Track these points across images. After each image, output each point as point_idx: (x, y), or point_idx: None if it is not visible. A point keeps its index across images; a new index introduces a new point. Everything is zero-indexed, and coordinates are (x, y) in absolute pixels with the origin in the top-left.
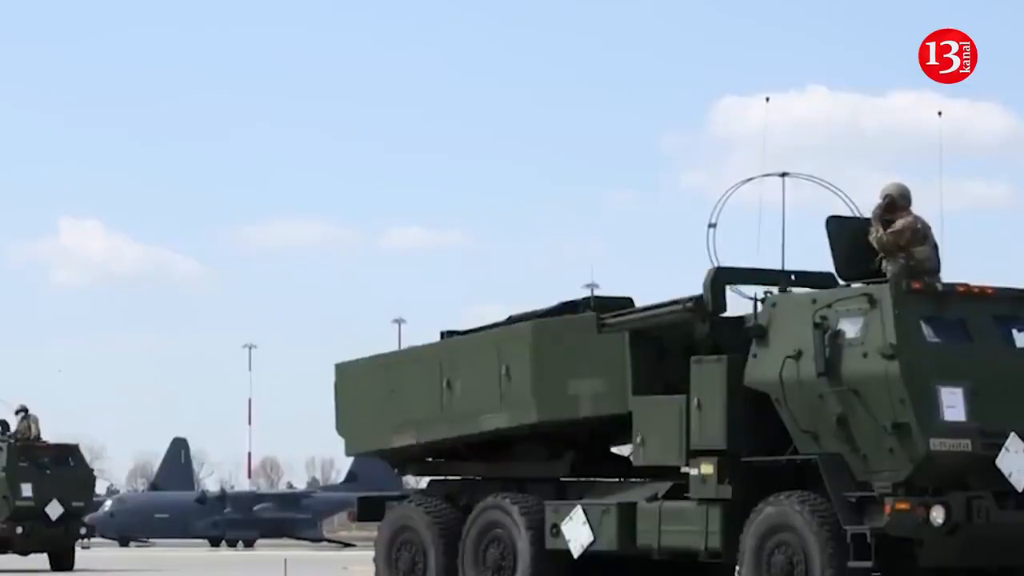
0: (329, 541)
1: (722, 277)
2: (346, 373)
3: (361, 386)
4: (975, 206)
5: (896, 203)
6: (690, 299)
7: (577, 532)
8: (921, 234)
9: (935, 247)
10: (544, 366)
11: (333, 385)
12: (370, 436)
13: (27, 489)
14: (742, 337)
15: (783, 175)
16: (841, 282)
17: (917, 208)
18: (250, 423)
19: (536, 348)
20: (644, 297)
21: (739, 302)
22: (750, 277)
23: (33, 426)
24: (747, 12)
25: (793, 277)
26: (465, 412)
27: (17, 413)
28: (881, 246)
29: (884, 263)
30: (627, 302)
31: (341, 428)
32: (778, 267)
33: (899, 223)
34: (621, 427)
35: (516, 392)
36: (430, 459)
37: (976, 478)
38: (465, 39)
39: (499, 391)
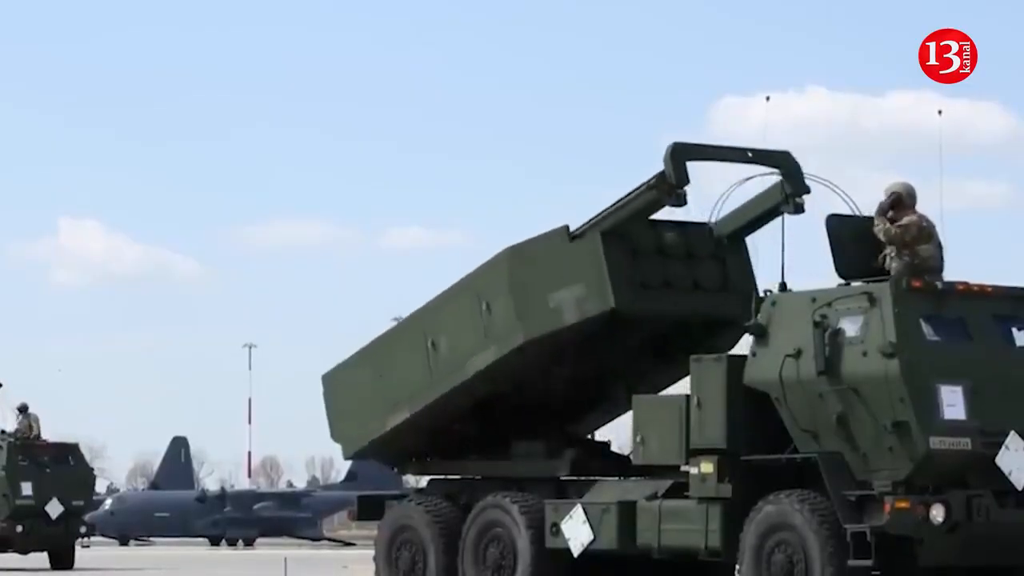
0: (329, 540)
1: (680, 150)
2: (332, 380)
3: (349, 386)
4: (975, 206)
5: (903, 200)
6: (652, 178)
7: (577, 531)
8: (927, 232)
9: (939, 247)
10: (523, 287)
11: (322, 396)
12: (366, 429)
13: (27, 488)
14: (712, 245)
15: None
16: (841, 280)
17: (917, 207)
18: (250, 423)
19: (512, 273)
20: None
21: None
22: (707, 153)
23: (34, 425)
24: (747, 12)
25: (750, 154)
26: (453, 363)
27: (18, 411)
28: (889, 239)
29: (888, 259)
30: None
31: (336, 434)
32: (778, 267)
33: (906, 219)
34: (606, 336)
35: (499, 322)
36: (428, 458)
37: (976, 477)
38: (465, 39)
39: (483, 328)
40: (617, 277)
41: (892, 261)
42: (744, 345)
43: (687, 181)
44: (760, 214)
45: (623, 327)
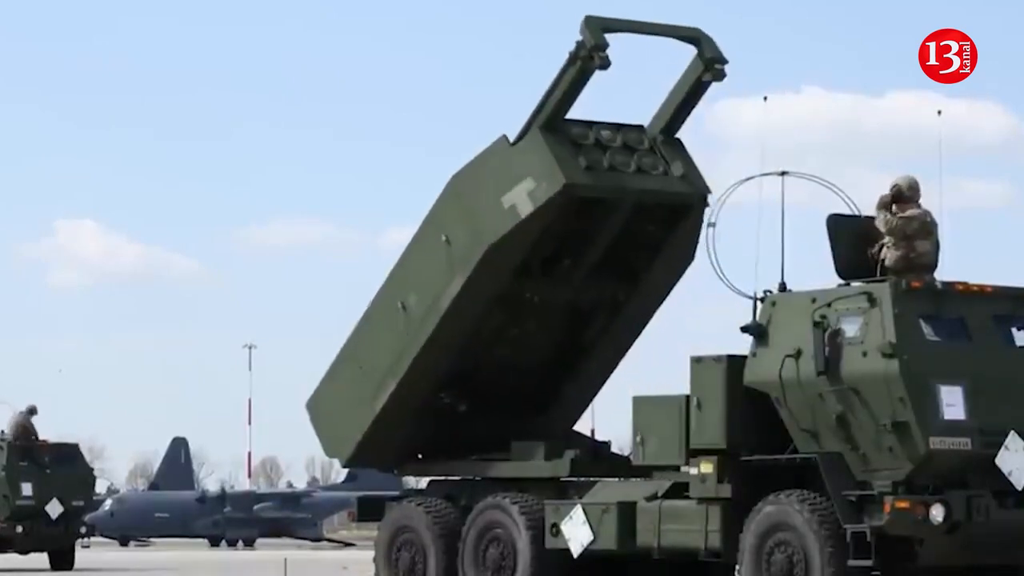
0: (329, 541)
1: (594, 19)
2: (316, 399)
3: (333, 394)
4: (975, 206)
5: (903, 194)
6: (571, 52)
7: (577, 531)
8: (927, 228)
9: (937, 245)
10: (476, 204)
11: (310, 422)
12: (357, 424)
13: (27, 488)
14: (648, 142)
15: (783, 174)
16: (841, 280)
17: (921, 203)
18: (250, 423)
19: (463, 197)
20: None
21: None
22: (621, 25)
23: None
24: (745, 12)
25: (661, 30)
26: (426, 310)
27: (27, 412)
28: (889, 229)
29: (884, 249)
30: None
31: (330, 449)
32: (778, 266)
33: (911, 211)
34: (567, 241)
35: (461, 246)
36: (425, 455)
37: (976, 477)
38: (465, 39)
39: (447, 262)
40: (563, 159)
41: (888, 251)
42: (740, 337)
43: (606, 43)
44: (686, 94)
45: (581, 223)
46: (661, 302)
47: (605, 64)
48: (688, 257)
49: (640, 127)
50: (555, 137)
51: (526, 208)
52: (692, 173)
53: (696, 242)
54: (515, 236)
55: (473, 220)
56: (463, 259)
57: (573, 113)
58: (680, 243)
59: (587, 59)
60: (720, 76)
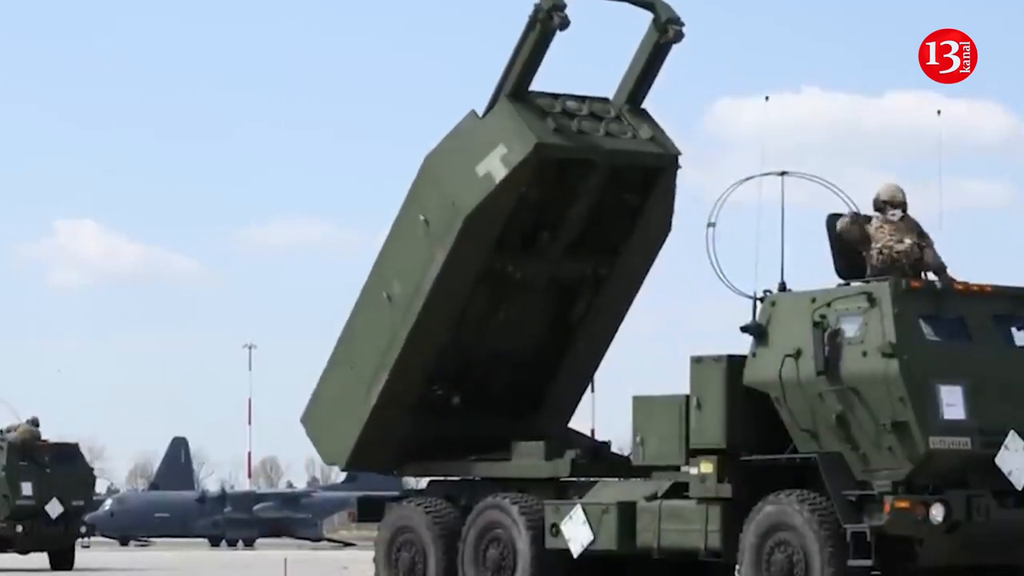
0: (329, 541)
1: None
2: (310, 411)
3: (327, 400)
4: (975, 206)
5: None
6: (529, 16)
7: (577, 531)
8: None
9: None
10: (451, 178)
11: (307, 436)
12: (353, 423)
13: (27, 488)
14: (614, 112)
15: (782, 174)
16: (841, 280)
17: (918, 208)
18: (250, 423)
19: (438, 174)
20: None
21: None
22: None
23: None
24: (745, 12)
25: None
26: (411, 295)
27: (29, 423)
28: (920, 232)
29: (922, 249)
30: None
31: (328, 456)
32: (778, 266)
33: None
34: (544, 212)
35: (440, 222)
36: (422, 455)
37: (976, 476)
38: (465, 39)
39: (426, 241)
40: (533, 122)
41: (927, 252)
42: (740, 337)
43: (564, 4)
44: (647, 61)
45: (555, 191)
46: (643, 277)
47: (564, 23)
48: (665, 227)
49: (605, 99)
50: (523, 104)
51: (500, 173)
52: (661, 136)
53: (672, 210)
54: (492, 203)
55: (449, 195)
56: (442, 235)
57: (537, 88)
58: (656, 210)
59: (546, 20)
60: (678, 37)
